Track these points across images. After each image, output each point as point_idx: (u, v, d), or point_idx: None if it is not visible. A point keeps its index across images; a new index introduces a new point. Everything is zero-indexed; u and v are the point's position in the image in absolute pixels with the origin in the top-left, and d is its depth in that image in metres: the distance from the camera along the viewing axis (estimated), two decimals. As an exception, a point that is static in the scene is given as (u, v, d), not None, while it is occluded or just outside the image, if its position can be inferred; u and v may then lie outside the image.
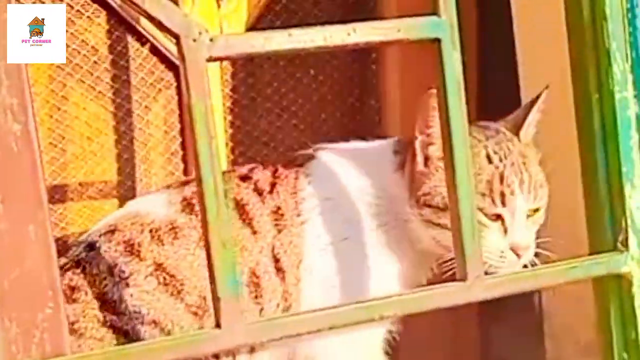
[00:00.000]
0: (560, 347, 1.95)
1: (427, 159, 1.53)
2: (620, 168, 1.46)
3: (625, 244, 1.48)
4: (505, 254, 1.50)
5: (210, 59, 1.22)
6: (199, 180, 1.23)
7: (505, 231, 1.50)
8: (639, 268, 1.48)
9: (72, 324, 1.52)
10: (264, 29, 2.20)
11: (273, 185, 1.63)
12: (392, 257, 1.58)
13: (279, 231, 1.59)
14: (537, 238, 1.56)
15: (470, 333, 2.29)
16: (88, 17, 2.01)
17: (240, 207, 1.60)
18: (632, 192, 1.49)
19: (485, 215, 1.48)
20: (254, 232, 1.59)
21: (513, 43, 1.95)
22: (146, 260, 1.56)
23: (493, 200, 1.47)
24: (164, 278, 1.54)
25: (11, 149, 1.22)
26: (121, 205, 2.17)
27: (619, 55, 1.47)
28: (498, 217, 1.50)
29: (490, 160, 1.48)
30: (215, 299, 1.23)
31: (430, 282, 1.58)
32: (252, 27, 2.18)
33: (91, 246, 1.59)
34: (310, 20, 2.26)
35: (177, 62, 2.03)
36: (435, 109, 1.39)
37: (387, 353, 1.68)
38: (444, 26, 1.32)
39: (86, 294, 1.55)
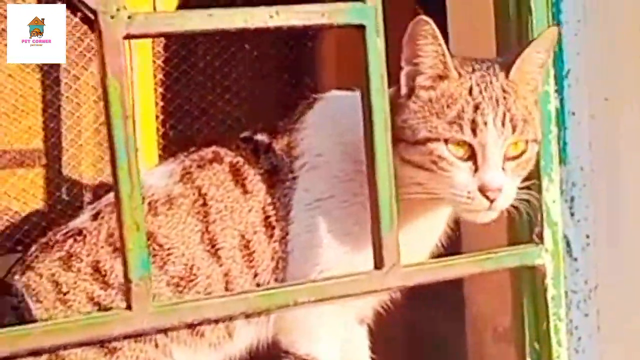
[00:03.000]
0: (479, 333, 1.97)
1: (411, 90, 1.44)
2: (539, 161, 1.48)
3: (541, 236, 1.50)
4: (472, 195, 1.37)
5: (128, 37, 1.19)
6: (112, 161, 1.21)
7: (476, 170, 1.38)
8: (553, 261, 1.51)
9: (64, 294, 1.54)
10: (200, 4, 2.20)
11: (270, 144, 1.62)
12: None
13: (271, 187, 1.58)
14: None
15: (397, 319, 2.30)
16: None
17: (235, 169, 1.59)
18: (550, 185, 1.51)
19: (454, 149, 1.38)
20: (246, 192, 1.58)
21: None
22: None
23: (461, 128, 1.37)
24: (153, 248, 1.53)
25: None
26: (47, 174, 2.15)
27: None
28: (469, 157, 1.39)
29: (470, 92, 1.39)
30: (127, 281, 1.21)
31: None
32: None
33: (96, 216, 1.60)
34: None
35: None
36: (425, 37, 1.38)
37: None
38: (368, 12, 1.31)
39: (81, 261, 1.56)
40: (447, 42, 1.92)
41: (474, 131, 1.37)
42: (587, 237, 1.55)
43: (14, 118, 2.04)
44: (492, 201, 1.38)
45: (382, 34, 1.33)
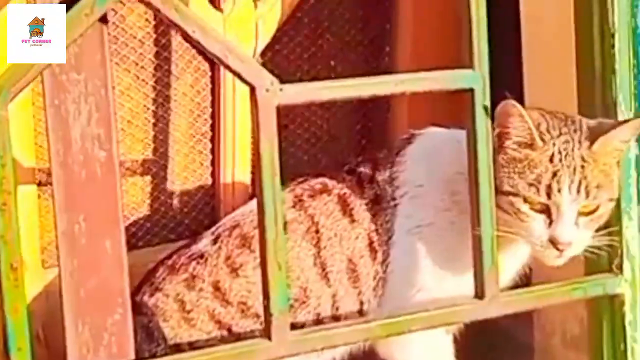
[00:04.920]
0: (548, 338, 2.16)
1: (500, 147, 1.60)
2: (620, 202, 1.67)
3: (620, 268, 1.70)
4: (544, 244, 1.57)
5: (279, 106, 1.39)
6: (260, 209, 1.41)
7: (551, 224, 1.56)
8: (631, 290, 1.70)
9: (188, 312, 1.75)
10: (295, 27, 2.39)
11: (372, 175, 1.81)
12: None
13: (374, 215, 1.77)
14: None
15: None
16: (138, 13, 2.15)
17: (342, 200, 1.79)
18: (629, 223, 1.70)
19: (531, 204, 1.56)
20: (353, 221, 1.77)
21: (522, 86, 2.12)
22: (255, 252, 1.72)
23: (538, 191, 1.54)
24: None
25: (95, 173, 1.39)
26: (153, 181, 2.35)
27: (624, 105, 1.66)
28: (544, 210, 1.57)
29: (551, 160, 1.56)
30: (267, 315, 1.42)
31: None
32: (285, 24, 2.33)
33: (215, 240, 1.81)
34: (335, 19, 2.42)
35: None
36: (513, 116, 1.57)
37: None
38: (477, 78, 1.51)
39: (203, 281, 1.76)
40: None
41: (549, 195, 1.56)
42: (661, 267, 1.73)
43: (130, 133, 2.23)
44: (561, 251, 1.58)
45: (488, 96, 1.52)
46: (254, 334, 1.69)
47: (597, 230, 1.63)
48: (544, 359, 2.18)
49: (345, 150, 2.48)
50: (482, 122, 1.52)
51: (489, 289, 1.56)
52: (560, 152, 1.58)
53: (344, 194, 1.80)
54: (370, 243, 1.77)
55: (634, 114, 1.66)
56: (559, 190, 1.56)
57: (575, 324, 1.99)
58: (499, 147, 1.61)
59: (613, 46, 1.63)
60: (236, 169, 2.33)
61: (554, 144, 1.59)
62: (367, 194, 1.80)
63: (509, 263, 1.74)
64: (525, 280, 1.84)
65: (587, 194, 1.57)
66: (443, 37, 2.25)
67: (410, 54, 2.50)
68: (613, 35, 1.63)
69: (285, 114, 2.43)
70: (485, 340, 2.44)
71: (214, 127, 2.36)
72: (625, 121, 1.62)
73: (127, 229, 2.27)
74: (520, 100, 2.07)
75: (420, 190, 1.78)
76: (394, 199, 1.78)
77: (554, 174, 1.56)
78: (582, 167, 1.58)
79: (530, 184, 1.57)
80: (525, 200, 1.58)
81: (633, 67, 1.65)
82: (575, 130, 1.62)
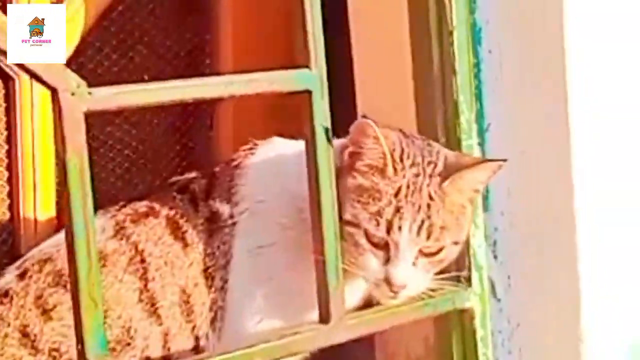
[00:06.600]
0: (390, 358, 2.05)
1: (349, 167, 1.48)
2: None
3: (469, 280, 1.60)
4: (378, 283, 1.46)
5: (88, 112, 1.19)
6: (69, 237, 1.20)
7: (387, 261, 1.46)
8: (480, 303, 1.60)
9: None
10: (101, 37, 2.18)
11: (209, 192, 1.61)
12: None
13: (210, 236, 1.57)
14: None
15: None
16: None
17: (172, 223, 1.58)
18: (475, 231, 1.61)
19: (370, 238, 1.45)
20: (186, 246, 1.56)
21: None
22: None
23: (378, 224, 1.44)
24: None
25: None
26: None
27: (465, 105, 1.57)
28: (384, 246, 1.46)
29: (397, 194, 1.45)
30: (83, 360, 1.21)
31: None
32: (89, 35, 2.12)
33: (22, 275, 1.55)
34: (147, 29, 2.23)
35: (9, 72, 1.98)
36: (367, 137, 1.44)
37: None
38: (314, 78, 1.37)
39: (8, 325, 1.51)
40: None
41: (388, 231, 1.44)
42: (509, 277, 1.64)
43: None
44: (395, 292, 1.46)
45: (326, 97, 1.38)
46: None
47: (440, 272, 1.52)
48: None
49: (163, 172, 2.29)
50: (322, 124, 1.38)
51: (335, 312, 1.41)
52: (408, 187, 1.46)
53: (174, 215, 1.58)
54: (206, 269, 1.56)
55: (475, 116, 1.58)
56: (400, 228, 1.44)
57: (419, 344, 1.87)
58: (348, 168, 1.47)
59: (452, 44, 1.55)
60: (38, 201, 2.08)
61: (404, 176, 1.46)
62: (201, 213, 1.59)
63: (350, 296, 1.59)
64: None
65: (429, 235, 1.46)
66: (266, 47, 2.15)
67: (233, 65, 2.35)
68: (452, 33, 1.54)
69: (93, 135, 2.23)
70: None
71: (10, 154, 2.11)
72: (483, 161, 1.52)
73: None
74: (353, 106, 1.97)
75: (261, 207, 1.59)
76: (232, 216, 1.59)
77: (397, 210, 1.44)
78: (429, 205, 1.46)
79: (372, 216, 1.44)
80: (365, 233, 1.45)
81: (473, 66, 1.57)
82: (429, 163, 1.49)
